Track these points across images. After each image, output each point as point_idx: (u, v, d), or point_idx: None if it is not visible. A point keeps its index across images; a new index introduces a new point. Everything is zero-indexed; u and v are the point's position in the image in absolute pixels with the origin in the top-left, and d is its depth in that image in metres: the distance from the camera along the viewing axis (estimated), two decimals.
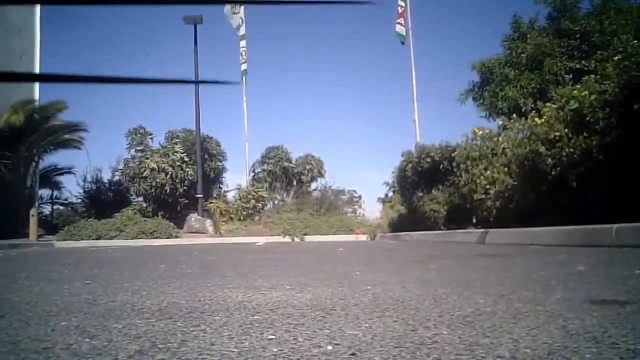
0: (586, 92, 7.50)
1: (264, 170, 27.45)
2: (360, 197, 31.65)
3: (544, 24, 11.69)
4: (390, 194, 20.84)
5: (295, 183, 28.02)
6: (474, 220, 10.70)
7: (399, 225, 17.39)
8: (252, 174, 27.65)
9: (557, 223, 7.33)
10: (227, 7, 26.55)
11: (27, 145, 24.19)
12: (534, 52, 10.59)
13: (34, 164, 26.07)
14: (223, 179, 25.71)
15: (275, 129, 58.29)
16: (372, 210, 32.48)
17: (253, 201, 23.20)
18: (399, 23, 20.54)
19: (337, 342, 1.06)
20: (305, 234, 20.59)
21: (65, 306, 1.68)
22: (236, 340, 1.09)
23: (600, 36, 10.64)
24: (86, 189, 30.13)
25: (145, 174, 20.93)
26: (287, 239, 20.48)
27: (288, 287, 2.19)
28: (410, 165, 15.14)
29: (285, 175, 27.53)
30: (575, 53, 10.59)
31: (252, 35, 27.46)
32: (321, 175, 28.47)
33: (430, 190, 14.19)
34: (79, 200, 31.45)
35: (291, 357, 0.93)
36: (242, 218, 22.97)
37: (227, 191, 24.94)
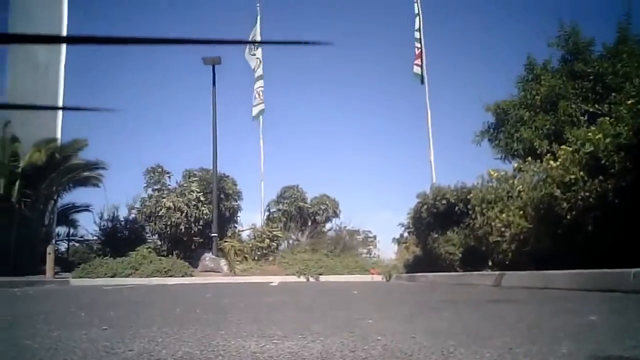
0: (600, 135, 7.55)
1: (279, 209, 27.60)
2: (375, 237, 31.54)
3: (558, 65, 11.84)
4: (406, 234, 20.77)
5: (310, 223, 28.07)
6: (490, 263, 10.64)
7: (414, 266, 17.30)
8: (267, 214, 27.79)
9: (573, 267, 7.28)
10: (246, 50, 27.23)
11: (47, 184, 24.62)
12: (548, 93, 10.71)
13: (52, 202, 26.46)
14: (238, 218, 25.87)
15: (290, 169, 58.76)
16: (387, 250, 32.24)
17: (268, 240, 23.26)
18: (416, 64, 20.96)
19: None
20: (320, 274, 20.54)
21: (84, 355, 1.74)
22: None
23: (614, 78, 10.74)
24: (102, 227, 30.44)
25: (161, 212, 21.16)
26: (302, 278, 20.43)
27: (300, 335, 2.24)
28: (425, 206, 15.16)
29: (300, 215, 27.61)
30: (590, 95, 10.69)
31: (268, 75, 27.97)
32: (336, 215, 28.52)
33: (445, 232, 14.16)
34: (95, 238, 31.79)
35: None
36: (256, 258, 23.01)
37: (242, 230, 25.07)
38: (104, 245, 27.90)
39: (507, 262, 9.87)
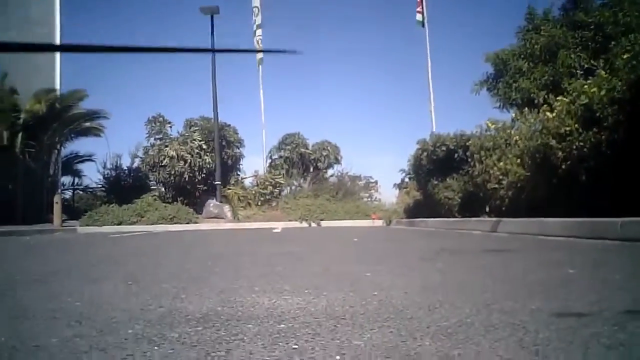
0: (595, 89, 7.70)
1: (280, 157, 27.84)
2: (376, 182, 31.96)
3: (558, 15, 11.78)
4: (406, 179, 21.11)
5: (312, 169, 28.38)
6: (487, 209, 10.98)
7: (414, 211, 17.70)
8: (269, 161, 28.06)
9: (566, 215, 7.59)
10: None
11: (50, 134, 24.80)
12: (548, 43, 10.73)
13: (56, 151, 26.70)
14: (240, 165, 26.19)
15: (291, 116, 58.67)
16: (388, 195, 32.74)
17: (270, 187, 23.63)
18: (418, 12, 20.85)
19: (344, 351, 1.40)
20: (322, 220, 21.00)
21: (124, 313, 2.04)
22: (269, 349, 1.43)
23: (614, 28, 10.71)
24: (106, 176, 30.92)
25: (164, 162, 21.44)
26: (304, 224, 20.89)
27: (306, 290, 2.54)
28: (425, 153, 15.41)
29: (301, 162, 27.89)
30: (589, 44, 10.70)
31: (269, 22, 27.62)
32: (337, 161, 28.80)
33: (445, 178, 14.47)
34: (100, 186, 32.29)
35: None
36: (259, 204, 23.43)
37: (245, 178, 25.42)
38: (109, 193, 28.40)
39: (503, 209, 10.21)
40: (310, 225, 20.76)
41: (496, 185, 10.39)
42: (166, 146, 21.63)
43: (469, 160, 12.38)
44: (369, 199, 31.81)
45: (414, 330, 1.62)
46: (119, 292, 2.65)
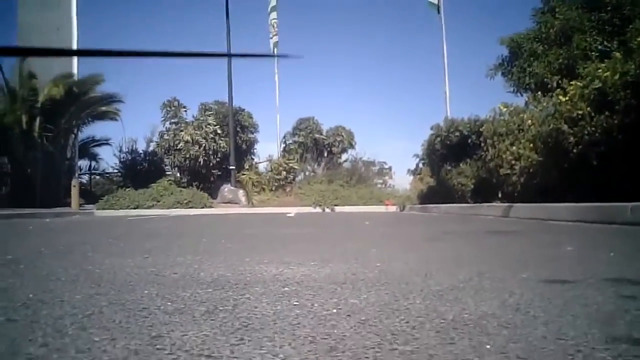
0: (609, 73, 7.69)
1: (295, 141, 27.93)
2: (390, 168, 32.03)
3: None
4: (420, 165, 21.15)
5: (326, 154, 28.47)
6: (500, 195, 11.03)
7: (428, 197, 17.76)
8: (283, 145, 28.18)
9: (578, 199, 7.64)
10: None
11: (67, 118, 25.16)
12: (563, 26, 10.66)
13: (73, 135, 27.08)
14: (255, 150, 26.36)
15: (306, 102, 58.76)
16: (402, 181, 32.77)
17: (284, 173, 23.77)
18: None
19: (340, 307, 1.53)
20: (336, 205, 21.12)
21: (139, 277, 2.19)
22: (272, 305, 1.57)
23: (633, 8, 10.62)
24: (122, 159, 31.30)
25: (180, 146, 21.67)
26: (318, 209, 21.04)
27: (312, 262, 2.67)
28: (439, 139, 15.44)
29: (316, 147, 27.98)
30: (606, 27, 10.61)
31: (284, 5, 27.58)
32: (352, 146, 28.85)
33: (458, 164, 14.50)
34: (116, 171, 32.75)
35: (307, 316, 1.41)
36: (273, 189, 23.59)
37: (259, 162, 25.60)
38: (125, 178, 28.80)
39: (516, 194, 10.25)
40: (324, 210, 20.90)
41: (509, 171, 10.42)
42: (181, 130, 21.85)
43: (483, 145, 12.40)
44: (383, 185, 31.93)
45: (408, 293, 1.75)
46: (136, 262, 2.81)
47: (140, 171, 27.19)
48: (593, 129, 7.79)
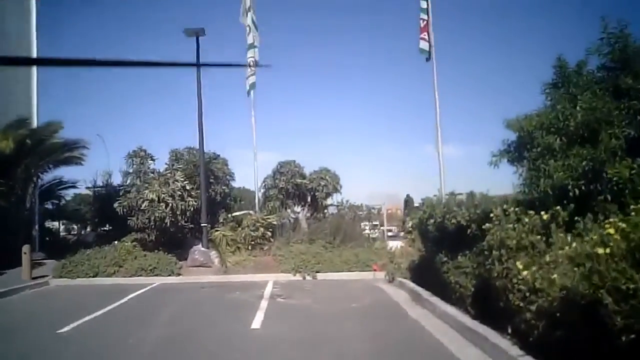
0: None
1: (275, 186, 25.77)
2: (379, 209, 29.99)
3: (597, 74, 9.53)
4: (410, 227, 19.02)
5: (309, 199, 26.34)
6: (509, 330, 8.83)
7: (420, 273, 15.55)
8: (263, 190, 26.07)
9: None
10: (242, 16, 24.63)
11: (23, 168, 22.89)
12: (587, 118, 8.55)
13: (32, 185, 24.82)
14: (230, 202, 24.10)
15: (286, 144, 57.73)
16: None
17: (262, 229, 21.57)
18: (422, 38, 18.46)
19: None
20: (318, 272, 18.99)
21: None
22: None
23: None
24: (97, 194, 29.13)
25: (143, 206, 19.36)
26: (298, 276, 18.93)
27: None
28: (432, 220, 13.30)
29: (298, 192, 25.83)
30: (637, 118, 8.53)
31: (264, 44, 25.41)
32: (337, 190, 26.72)
33: (455, 255, 12.34)
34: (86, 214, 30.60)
35: None
36: (250, 247, 21.40)
37: (235, 216, 23.32)
38: (99, 219, 26.81)
39: (531, 339, 8.04)
40: (304, 278, 18.74)
41: (521, 303, 8.22)
42: (146, 188, 19.55)
43: (487, 239, 10.18)
44: (372, 230, 29.81)
45: None
46: None
47: (111, 217, 24.72)
48: None
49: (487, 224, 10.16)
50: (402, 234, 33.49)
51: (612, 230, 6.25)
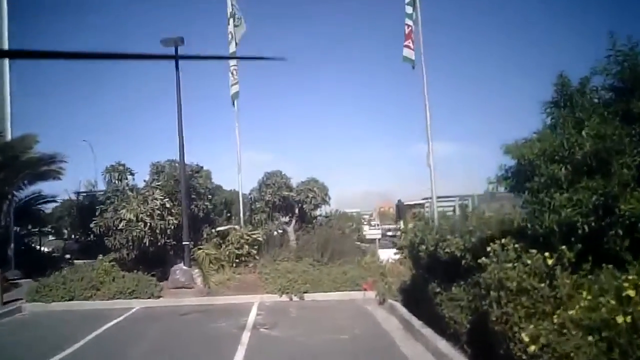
0: None
1: (261, 198, 24.85)
2: (370, 216, 29.20)
3: (603, 94, 8.66)
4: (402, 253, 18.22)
5: (297, 211, 25.44)
6: None
7: (411, 294, 14.69)
8: (249, 204, 25.16)
9: None
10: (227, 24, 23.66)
11: None
12: (595, 147, 7.68)
13: (7, 201, 23.75)
14: (214, 217, 23.11)
15: (271, 153, 57.13)
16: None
17: (247, 247, 20.63)
18: (406, 46, 17.49)
19: None
20: (305, 292, 18.08)
21: None
22: None
23: None
24: (80, 204, 28.30)
25: (121, 226, 18.36)
26: (284, 297, 18.02)
27: None
28: (423, 247, 12.45)
29: (285, 204, 24.91)
30: None
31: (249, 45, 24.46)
32: (326, 202, 25.82)
33: (449, 286, 11.50)
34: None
35: None
36: (234, 265, 20.44)
37: (219, 230, 22.33)
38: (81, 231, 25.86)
39: None
40: (291, 299, 17.83)
41: (523, 356, 7.36)
42: (123, 207, 18.55)
43: (482, 282, 9.33)
44: (362, 234, 29.00)
45: None
46: None
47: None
48: None
49: (483, 259, 9.30)
50: (392, 234, 32.88)
51: (632, 292, 5.41)
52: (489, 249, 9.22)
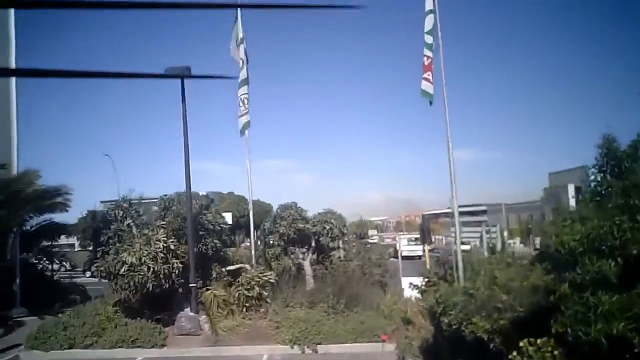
0: None
1: (275, 231, 23.57)
2: (390, 223, 27.56)
3: None
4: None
5: (313, 244, 24.05)
6: None
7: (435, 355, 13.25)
8: (262, 238, 23.87)
9: None
10: (233, 47, 22.52)
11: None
12: None
13: (12, 235, 22.96)
14: (224, 254, 21.90)
15: (284, 186, 56.19)
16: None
17: (258, 288, 19.35)
18: (425, 79, 15.92)
19: None
20: (319, 343, 16.72)
21: None
22: None
23: None
24: (95, 227, 27.33)
25: (122, 271, 17.26)
26: (296, 349, 16.68)
27: None
28: (445, 319, 11.03)
29: (300, 237, 23.55)
30: None
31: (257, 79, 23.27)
32: (343, 234, 24.40)
33: None
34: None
35: None
36: (244, 310, 19.16)
37: (229, 270, 21.10)
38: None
39: None
40: (303, 351, 16.51)
41: None
42: (125, 250, 17.47)
43: None
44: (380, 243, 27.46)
45: None
46: None
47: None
48: None
49: (514, 354, 7.87)
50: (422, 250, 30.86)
51: None
52: (521, 344, 7.78)
